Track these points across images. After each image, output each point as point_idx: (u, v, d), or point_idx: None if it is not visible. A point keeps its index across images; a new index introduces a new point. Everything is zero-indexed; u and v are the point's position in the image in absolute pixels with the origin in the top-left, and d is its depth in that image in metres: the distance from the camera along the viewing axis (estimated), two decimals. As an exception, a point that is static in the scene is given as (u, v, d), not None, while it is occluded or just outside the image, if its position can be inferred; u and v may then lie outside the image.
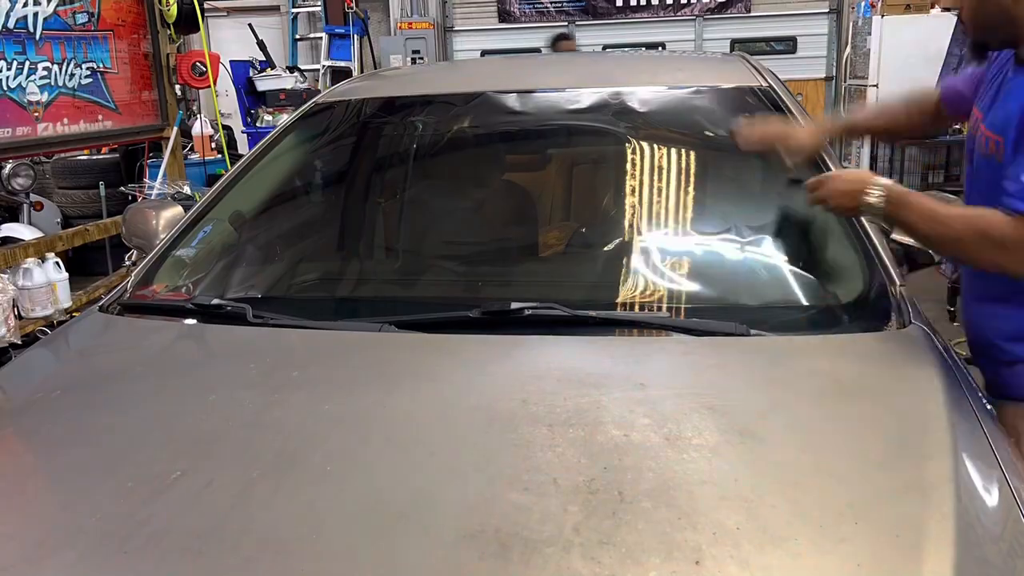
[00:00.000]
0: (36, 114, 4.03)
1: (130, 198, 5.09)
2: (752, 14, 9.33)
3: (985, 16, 1.49)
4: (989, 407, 1.41)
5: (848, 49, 8.15)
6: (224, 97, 7.74)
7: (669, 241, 1.87)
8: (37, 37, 4.03)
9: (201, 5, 5.41)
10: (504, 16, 9.85)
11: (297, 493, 1.08)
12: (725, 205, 1.96)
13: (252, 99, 7.39)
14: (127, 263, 4.06)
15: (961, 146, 6.80)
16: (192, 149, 6.66)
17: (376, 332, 1.54)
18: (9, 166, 5.22)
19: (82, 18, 4.36)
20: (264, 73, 7.48)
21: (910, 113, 1.92)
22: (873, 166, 7.33)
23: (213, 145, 6.78)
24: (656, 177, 2.07)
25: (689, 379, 1.36)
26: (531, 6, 9.72)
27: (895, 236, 1.87)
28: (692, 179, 2.02)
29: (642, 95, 2.20)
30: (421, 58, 9.04)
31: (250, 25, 7.95)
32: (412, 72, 3.81)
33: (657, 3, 9.45)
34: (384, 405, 1.29)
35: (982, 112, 1.59)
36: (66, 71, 4.22)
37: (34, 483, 1.18)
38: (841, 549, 0.94)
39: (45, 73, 4.08)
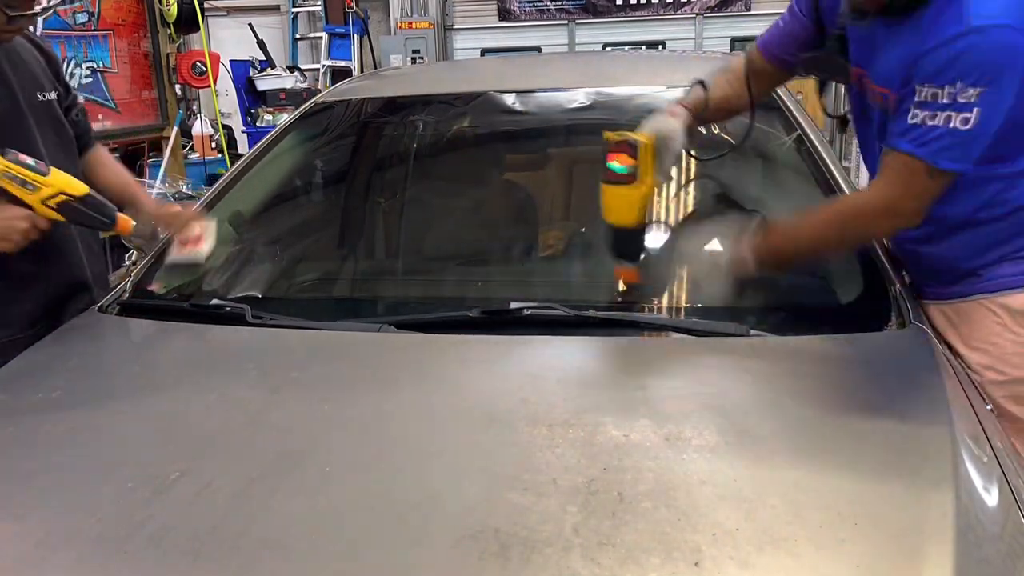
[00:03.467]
0: (36, 114, 4.02)
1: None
2: (752, 12, 9.33)
3: None
4: (989, 407, 1.41)
5: (848, 48, 8.15)
6: (224, 97, 7.73)
7: (669, 241, 1.86)
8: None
9: (201, 5, 5.42)
10: (504, 15, 9.85)
11: (297, 493, 1.08)
12: (725, 205, 1.96)
13: (252, 99, 7.39)
14: (127, 263, 4.06)
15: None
16: (192, 149, 6.66)
17: (376, 332, 1.54)
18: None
19: (82, 18, 4.37)
20: (264, 73, 7.47)
21: (739, 87, 1.74)
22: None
23: (213, 145, 6.77)
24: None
25: (689, 379, 1.36)
26: (531, 4, 9.72)
27: None
28: (692, 179, 2.02)
29: (642, 95, 2.20)
30: (421, 58, 9.04)
31: (250, 25, 7.95)
32: (412, 72, 3.81)
33: (657, 1, 9.45)
34: (383, 405, 1.29)
35: (863, 68, 1.53)
36: (66, 71, 4.23)
37: (34, 483, 1.18)
38: (841, 549, 0.94)
39: (45, 73, 4.08)
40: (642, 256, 1.51)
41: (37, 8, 1.78)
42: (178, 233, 1.83)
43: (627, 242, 1.49)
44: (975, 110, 1.32)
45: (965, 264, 1.57)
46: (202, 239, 1.80)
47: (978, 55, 1.32)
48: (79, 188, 1.64)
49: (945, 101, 1.34)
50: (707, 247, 1.50)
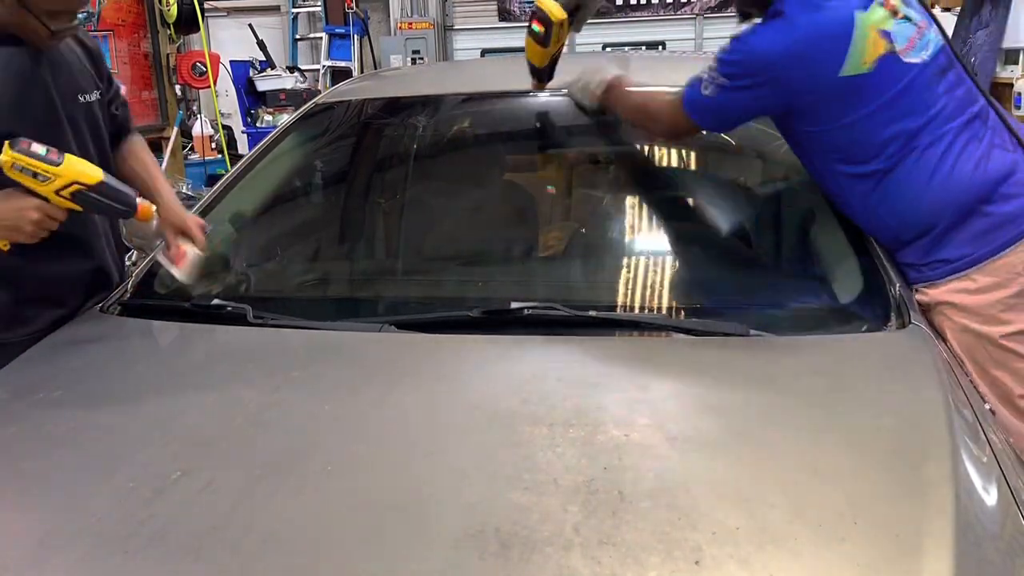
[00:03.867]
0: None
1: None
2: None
3: None
4: (988, 407, 1.42)
5: (848, 49, 8.13)
6: (224, 97, 7.73)
7: (669, 241, 1.87)
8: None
9: (201, 5, 5.42)
10: (504, 15, 9.84)
11: (297, 493, 1.08)
12: (725, 206, 1.96)
13: (252, 99, 7.39)
14: (127, 263, 4.06)
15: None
16: (192, 149, 6.66)
17: (376, 332, 1.54)
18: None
19: (82, 18, 4.36)
20: (264, 73, 7.48)
21: None
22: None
23: (213, 145, 6.78)
24: (656, 178, 2.08)
25: (689, 379, 1.36)
26: (532, 5, 9.71)
27: None
28: (692, 180, 2.02)
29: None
30: (421, 58, 9.04)
31: (250, 25, 7.95)
32: (412, 72, 3.82)
33: (657, 2, 9.45)
34: (384, 405, 1.29)
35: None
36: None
37: (34, 483, 1.18)
38: (841, 549, 0.94)
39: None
40: (546, 80, 2.05)
41: (76, 21, 1.75)
42: (168, 241, 1.80)
43: (539, 73, 2.04)
44: (716, 89, 1.65)
45: None
46: (184, 259, 1.75)
47: (739, 55, 1.65)
48: (93, 176, 1.58)
49: (714, 73, 1.66)
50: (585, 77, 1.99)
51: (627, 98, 1.92)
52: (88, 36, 1.96)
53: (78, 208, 1.59)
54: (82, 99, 1.80)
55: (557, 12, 1.90)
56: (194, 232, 1.78)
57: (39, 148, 1.55)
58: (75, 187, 1.56)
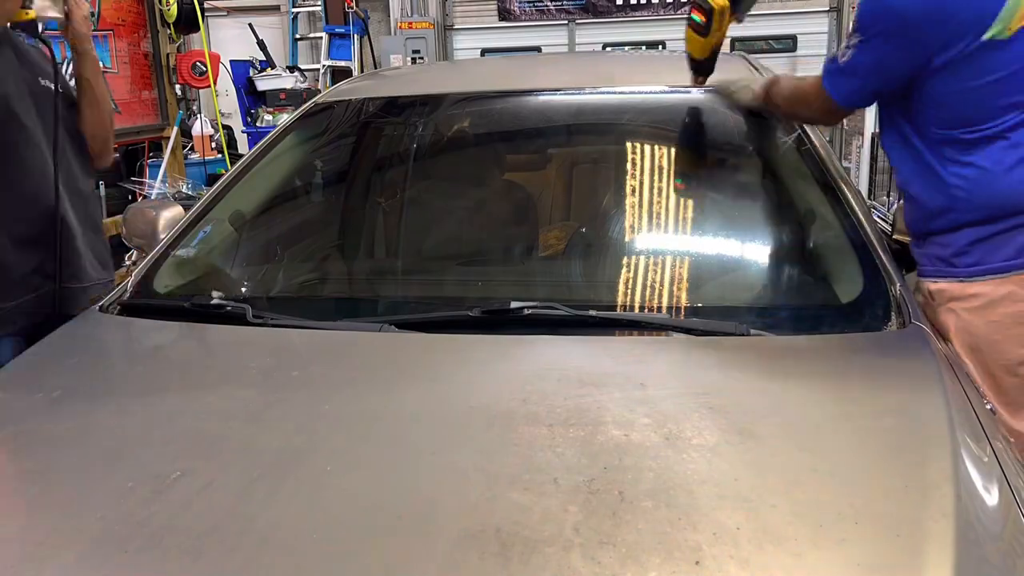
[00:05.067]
0: (36, 114, 4.01)
1: (130, 196, 5.08)
2: (752, 12, 9.30)
3: None
4: (989, 407, 1.42)
5: (848, 48, 8.13)
6: (224, 97, 7.73)
7: (669, 241, 1.87)
8: (37, 37, 4.02)
9: (201, 5, 5.41)
10: (504, 15, 9.84)
11: (297, 493, 1.08)
12: (725, 205, 1.96)
13: (252, 99, 7.38)
14: (127, 263, 4.06)
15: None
16: (192, 149, 6.65)
17: (376, 332, 1.54)
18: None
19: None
20: (264, 73, 7.47)
21: None
22: (873, 166, 7.33)
23: (213, 145, 6.77)
24: (656, 177, 2.07)
25: (689, 379, 1.36)
26: (531, 4, 9.71)
27: (896, 236, 1.88)
28: (692, 180, 2.02)
29: (642, 95, 2.20)
30: (421, 58, 9.03)
31: (250, 25, 7.94)
32: (412, 72, 3.81)
33: (657, 2, 9.44)
34: (384, 405, 1.29)
35: None
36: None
37: (34, 483, 1.18)
38: (841, 549, 0.94)
39: (45, 73, 4.07)
40: (707, 74, 2.04)
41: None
42: None
43: (698, 64, 2.01)
44: (851, 51, 1.65)
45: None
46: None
47: (861, 10, 1.63)
48: None
49: (850, 38, 1.66)
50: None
51: (782, 90, 1.87)
52: (48, 38, 2.22)
53: None
54: (43, 82, 2.03)
55: (720, 2, 1.86)
56: None
57: None
58: None
